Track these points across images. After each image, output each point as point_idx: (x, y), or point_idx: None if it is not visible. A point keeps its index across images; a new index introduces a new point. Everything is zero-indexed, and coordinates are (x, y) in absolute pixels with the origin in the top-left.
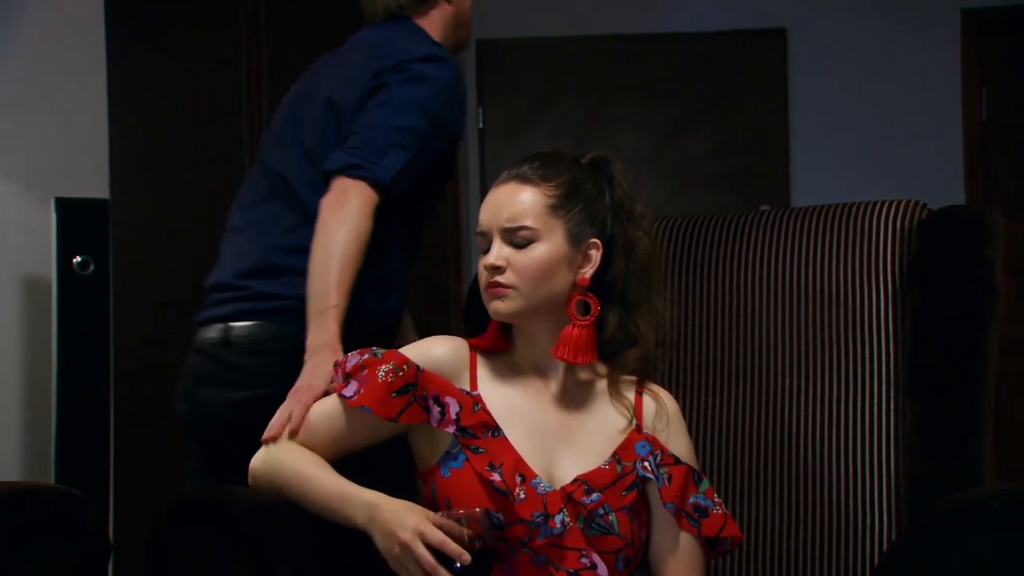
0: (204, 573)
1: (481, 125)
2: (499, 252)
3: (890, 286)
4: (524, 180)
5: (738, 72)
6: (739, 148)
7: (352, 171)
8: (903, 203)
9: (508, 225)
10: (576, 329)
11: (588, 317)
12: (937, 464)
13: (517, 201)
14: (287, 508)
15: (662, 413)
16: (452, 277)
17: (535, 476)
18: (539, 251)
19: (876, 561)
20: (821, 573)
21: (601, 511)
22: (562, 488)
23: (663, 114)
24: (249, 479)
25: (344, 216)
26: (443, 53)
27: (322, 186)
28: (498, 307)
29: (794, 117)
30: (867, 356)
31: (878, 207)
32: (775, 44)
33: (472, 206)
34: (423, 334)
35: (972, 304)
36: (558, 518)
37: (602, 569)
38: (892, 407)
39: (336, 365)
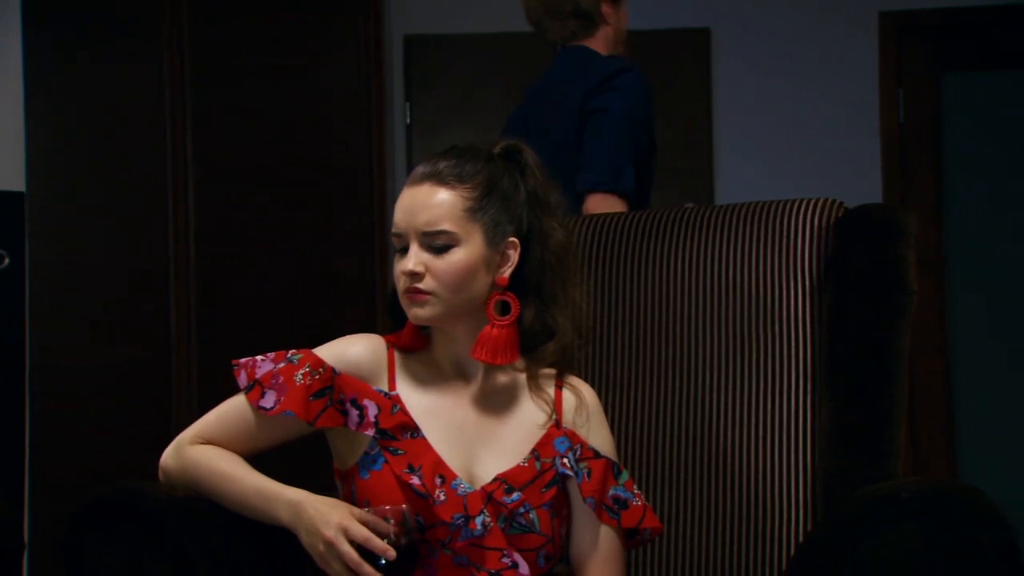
0: (122, 571)
1: (408, 120)
2: (417, 257)
3: (807, 283)
4: (441, 181)
5: (662, 71)
6: (663, 146)
7: (603, 186)
8: (820, 201)
9: (426, 229)
10: (495, 330)
11: (507, 317)
12: (851, 458)
13: (434, 204)
14: (205, 504)
15: (582, 408)
16: (378, 272)
17: (455, 477)
18: (458, 256)
19: (792, 552)
20: (738, 564)
21: (521, 510)
22: (482, 488)
23: None
24: (160, 476)
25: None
26: (627, 63)
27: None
28: (417, 313)
29: (717, 116)
30: (784, 352)
31: (796, 205)
32: (699, 44)
33: None
34: (348, 328)
35: (886, 302)
36: (479, 519)
37: (523, 568)
38: (808, 402)
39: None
